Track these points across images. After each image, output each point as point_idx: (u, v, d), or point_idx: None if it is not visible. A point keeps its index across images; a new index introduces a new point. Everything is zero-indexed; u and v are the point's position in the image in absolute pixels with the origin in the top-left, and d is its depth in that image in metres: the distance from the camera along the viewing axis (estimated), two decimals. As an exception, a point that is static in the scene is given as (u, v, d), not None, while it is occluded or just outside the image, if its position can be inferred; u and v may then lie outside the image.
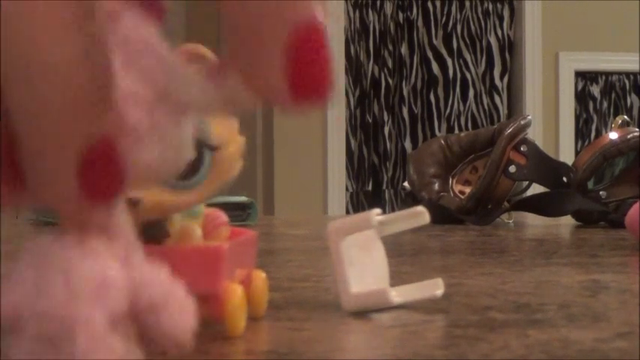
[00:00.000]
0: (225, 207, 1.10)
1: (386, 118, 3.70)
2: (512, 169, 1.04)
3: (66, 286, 0.23)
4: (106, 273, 0.24)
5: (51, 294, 0.23)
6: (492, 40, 3.80)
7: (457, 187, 1.10)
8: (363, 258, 0.43)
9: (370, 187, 3.71)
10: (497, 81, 3.81)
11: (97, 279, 0.23)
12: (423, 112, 3.76)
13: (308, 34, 0.22)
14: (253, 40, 0.22)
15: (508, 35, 3.81)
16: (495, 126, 1.09)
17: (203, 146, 0.36)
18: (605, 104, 3.89)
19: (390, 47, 3.73)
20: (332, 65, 0.23)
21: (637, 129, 1.01)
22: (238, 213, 1.04)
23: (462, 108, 3.79)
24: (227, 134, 0.39)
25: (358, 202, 3.68)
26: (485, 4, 3.80)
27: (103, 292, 0.23)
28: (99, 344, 0.23)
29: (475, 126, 3.77)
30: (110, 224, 0.25)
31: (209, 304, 0.35)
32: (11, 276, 0.23)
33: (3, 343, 0.22)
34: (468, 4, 3.78)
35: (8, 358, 0.22)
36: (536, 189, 1.06)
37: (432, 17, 3.75)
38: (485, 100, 3.80)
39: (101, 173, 0.23)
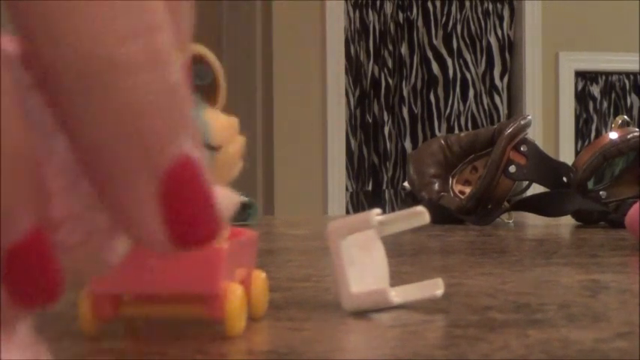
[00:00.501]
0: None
1: (386, 118, 3.70)
2: (512, 169, 1.05)
3: None
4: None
5: None
6: (492, 40, 3.80)
7: (457, 187, 1.10)
8: (363, 258, 0.43)
9: (370, 187, 3.71)
10: (497, 81, 3.81)
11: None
12: (423, 112, 3.76)
13: (182, 177, 0.20)
14: (121, 193, 0.19)
15: (508, 35, 3.81)
16: (495, 126, 1.09)
17: (203, 146, 0.36)
18: (605, 104, 3.89)
19: (390, 47, 3.73)
20: (213, 202, 0.20)
21: (637, 129, 1.01)
22: (238, 213, 1.04)
23: (462, 108, 3.79)
24: (227, 134, 0.39)
25: (358, 202, 3.68)
26: (485, 4, 3.80)
27: None
28: None
29: (475, 126, 3.77)
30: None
31: (209, 304, 0.36)
32: None
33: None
34: (467, 4, 3.78)
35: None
36: (536, 189, 1.06)
37: (432, 17, 3.75)
38: (485, 100, 3.80)
39: (27, 275, 0.19)
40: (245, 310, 0.37)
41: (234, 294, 0.36)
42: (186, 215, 0.20)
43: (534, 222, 1.08)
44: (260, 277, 0.41)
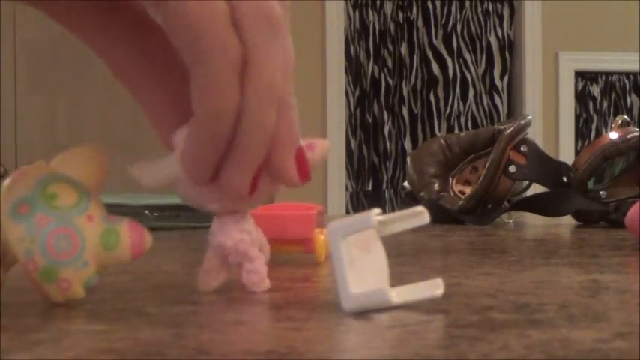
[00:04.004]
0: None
1: (386, 118, 3.70)
2: (512, 169, 1.05)
3: (238, 232, 0.48)
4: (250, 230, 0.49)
5: (229, 235, 0.48)
6: (492, 40, 3.80)
7: (457, 187, 1.10)
8: (363, 258, 0.43)
9: (370, 187, 3.71)
10: (497, 81, 3.81)
11: (251, 233, 0.49)
12: (423, 112, 3.76)
13: (301, 153, 0.46)
14: (280, 159, 0.45)
15: (508, 35, 3.81)
16: (495, 126, 1.09)
17: None
18: (605, 104, 3.89)
19: (390, 47, 3.73)
20: (308, 165, 0.46)
21: (637, 129, 1.01)
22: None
23: (462, 108, 3.79)
24: None
25: (358, 202, 3.68)
26: (485, 4, 3.80)
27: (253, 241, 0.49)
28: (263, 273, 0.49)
29: (475, 126, 3.77)
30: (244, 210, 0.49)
31: (305, 243, 0.64)
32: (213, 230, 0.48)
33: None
34: (468, 4, 3.78)
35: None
36: (536, 189, 1.06)
37: (432, 17, 3.75)
38: (485, 100, 3.80)
39: (304, 165, 0.46)
40: (326, 248, 0.63)
41: (319, 237, 0.64)
42: (303, 169, 0.45)
43: (534, 222, 1.08)
44: (323, 232, 0.64)
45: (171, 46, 0.41)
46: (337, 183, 3.63)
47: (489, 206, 1.06)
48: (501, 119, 3.78)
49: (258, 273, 0.48)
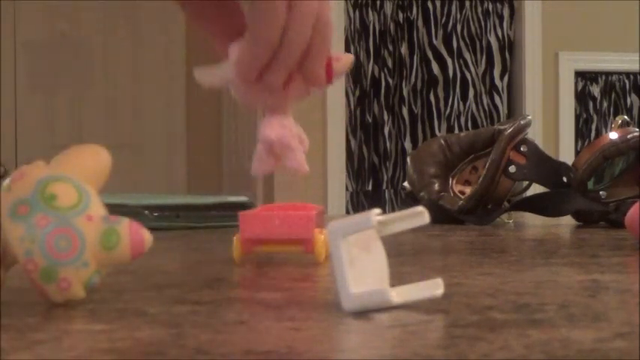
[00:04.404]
0: (226, 207, 1.10)
1: (386, 118, 3.70)
2: (512, 169, 1.05)
3: (280, 128, 0.58)
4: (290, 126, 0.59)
5: (272, 130, 0.58)
6: (492, 39, 3.80)
7: (457, 187, 1.10)
8: (363, 258, 0.43)
9: (370, 187, 3.71)
10: (497, 81, 3.81)
11: (292, 129, 0.59)
12: (423, 112, 3.76)
13: (329, 62, 0.58)
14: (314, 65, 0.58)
15: (508, 35, 3.81)
16: (495, 126, 1.09)
17: None
18: (605, 104, 3.89)
19: (390, 47, 3.72)
20: (333, 73, 0.58)
21: (637, 129, 1.01)
22: (239, 213, 1.03)
23: (462, 108, 3.79)
24: None
25: (358, 202, 3.68)
26: (485, 4, 3.80)
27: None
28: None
29: (475, 126, 3.77)
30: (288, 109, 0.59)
31: (305, 243, 0.63)
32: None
33: None
34: (468, 4, 3.78)
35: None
36: (536, 189, 1.06)
37: (432, 17, 3.75)
38: (485, 100, 3.80)
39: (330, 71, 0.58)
40: (325, 248, 0.63)
41: (319, 237, 0.63)
42: (329, 74, 0.58)
43: (534, 222, 1.08)
44: (323, 232, 0.64)
45: None
46: (337, 183, 3.63)
47: (489, 206, 1.06)
48: (501, 119, 3.78)
49: (297, 161, 0.59)
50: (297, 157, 0.59)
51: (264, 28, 0.56)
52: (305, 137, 0.60)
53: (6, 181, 0.44)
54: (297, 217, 0.63)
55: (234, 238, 0.65)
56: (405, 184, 1.15)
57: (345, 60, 0.60)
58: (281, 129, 0.59)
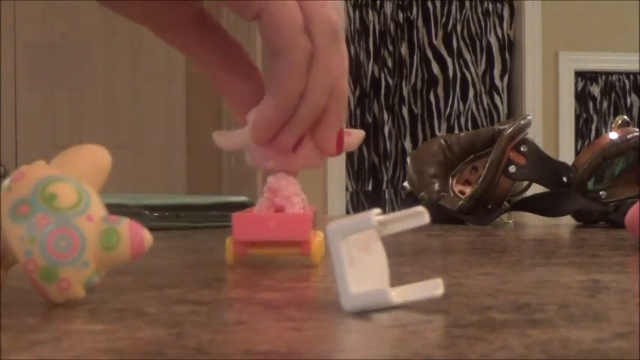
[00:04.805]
0: (226, 207, 1.09)
1: (386, 118, 3.70)
2: (512, 169, 1.04)
3: (286, 183, 0.61)
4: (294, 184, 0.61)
5: (279, 183, 0.62)
6: (492, 39, 3.80)
7: (457, 187, 1.10)
8: (363, 258, 0.43)
9: (370, 187, 3.71)
10: (497, 81, 3.81)
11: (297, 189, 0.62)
12: (423, 112, 3.76)
13: (341, 132, 0.59)
14: (324, 134, 0.60)
15: (508, 35, 3.81)
16: (495, 126, 1.09)
17: None
18: (605, 104, 3.89)
19: (390, 47, 3.72)
20: (344, 142, 0.60)
21: (637, 129, 1.01)
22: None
23: (462, 108, 3.79)
24: None
25: (358, 202, 3.68)
26: (485, 4, 3.80)
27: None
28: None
29: (475, 126, 3.77)
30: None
31: (302, 245, 0.60)
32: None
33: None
34: (468, 4, 3.78)
35: None
36: (536, 189, 1.06)
37: (432, 17, 3.75)
38: (485, 100, 3.80)
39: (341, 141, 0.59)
40: (322, 249, 0.62)
41: (316, 239, 0.61)
42: (340, 143, 0.59)
43: (534, 222, 1.08)
44: (320, 234, 0.63)
45: (235, 45, 0.61)
46: (337, 183, 3.63)
47: (489, 206, 1.06)
48: (501, 119, 3.78)
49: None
50: (295, 210, 0.61)
51: (285, 87, 0.56)
52: (308, 205, 0.63)
53: (6, 181, 0.44)
54: (293, 218, 0.61)
55: (227, 240, 0.61)
56: (405, 184, 1.15)
57: (355, 135, 0.61)
58: (287, 183, 0.61)
